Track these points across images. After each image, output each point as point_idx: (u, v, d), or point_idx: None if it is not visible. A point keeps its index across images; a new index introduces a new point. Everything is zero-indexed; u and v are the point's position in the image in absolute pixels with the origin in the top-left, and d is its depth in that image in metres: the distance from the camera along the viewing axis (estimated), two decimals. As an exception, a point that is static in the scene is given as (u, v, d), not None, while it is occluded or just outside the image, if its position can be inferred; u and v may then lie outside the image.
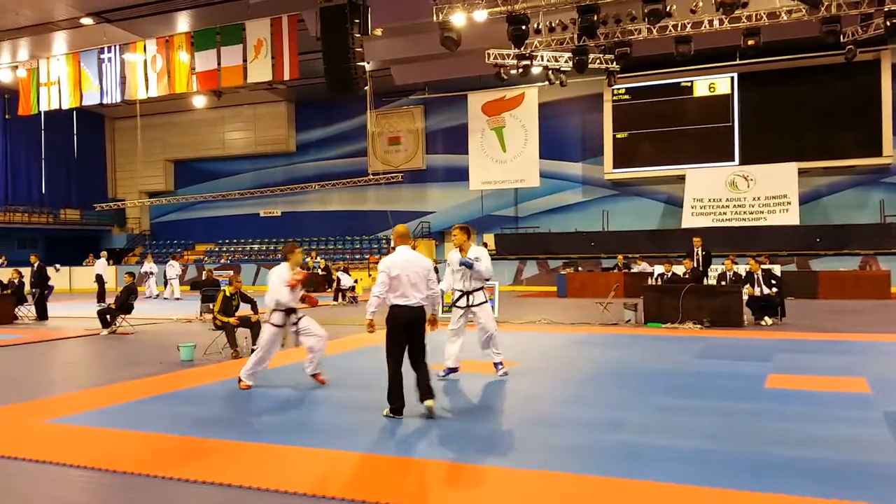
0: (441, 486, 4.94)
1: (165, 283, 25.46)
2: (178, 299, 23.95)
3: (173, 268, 25.16)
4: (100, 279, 23.63)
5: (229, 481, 4.85)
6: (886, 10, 18.18)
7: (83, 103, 24.48)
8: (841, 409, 6.69)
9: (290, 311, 8.36)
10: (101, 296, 22.99)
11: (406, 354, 6.67)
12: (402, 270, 6.62)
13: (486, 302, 8.63)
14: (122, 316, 14.24)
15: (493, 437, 6.18)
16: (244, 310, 11.12)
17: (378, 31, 24.22)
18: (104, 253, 26.59)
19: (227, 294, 10.86)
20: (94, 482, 5.01)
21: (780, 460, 5.14)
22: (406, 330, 6.61)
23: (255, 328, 10.75)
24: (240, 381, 8.24)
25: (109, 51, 24.85)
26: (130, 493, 4.79)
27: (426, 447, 5.75)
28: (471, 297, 8.47)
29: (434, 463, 5.31)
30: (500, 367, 8.54)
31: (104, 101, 25.41)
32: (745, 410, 6.72)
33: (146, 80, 24.18)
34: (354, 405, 7.31)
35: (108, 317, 14.13)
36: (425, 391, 6.55)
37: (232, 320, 10.75)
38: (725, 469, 4.95)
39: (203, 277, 22.02)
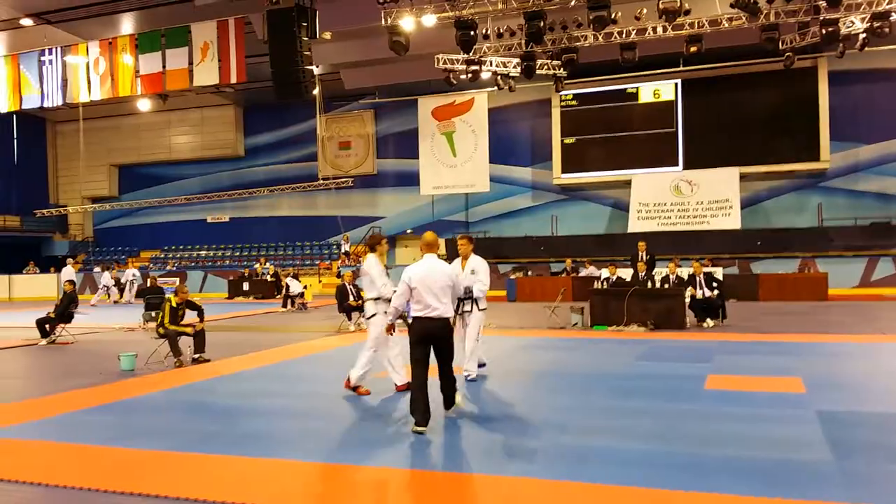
0: (372, 492, 4.94)
1: (121, 290, 25.22)
2: (128, 302, 23.58)
3: (125, 275, 25.04)
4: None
5: (169, 493, 4.77)
6: (822, 18, 18.81)
7: (22, 107, 23.81)
8: (776, 409, 6.88)
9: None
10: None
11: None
12: (423, 280, 6.42)
13: (484, 308, 8.88)
14: (62, 325, 13.87)
15: (435, 441, 6.20)
16: (191, 317, 10.94)
17: (327, 35, 24.13)
18: (70, 260, 26.09)
19: (174, 304, 10.64)
20: (28, 497, 4.87)
21: (719, 460, 5.27)
22: (427, 342, 6.42)
23: (198, 336, 10.58)
24: (357, 389, 7.93)
25: (50, 53, 24.23)
26: (65, 507, 4.68)
27: (362, 454, 5.73)
28: (462, 304, 8.72)
29: (371, 469, 5.30)
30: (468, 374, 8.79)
31: (45, 105, 24.77)
32: (685, 411, 6.87)
33: (89, 82, 23.65)
34: (300, 413, 7.26)
35: (46, 326, 13.74)
36: (448, 403, 6.70)
37: (188, 329, 10.56)
38: (668, 470, 5.05)
39: (147, 284, 21.62)
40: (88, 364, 10.81)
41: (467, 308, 8.83)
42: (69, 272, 23.83)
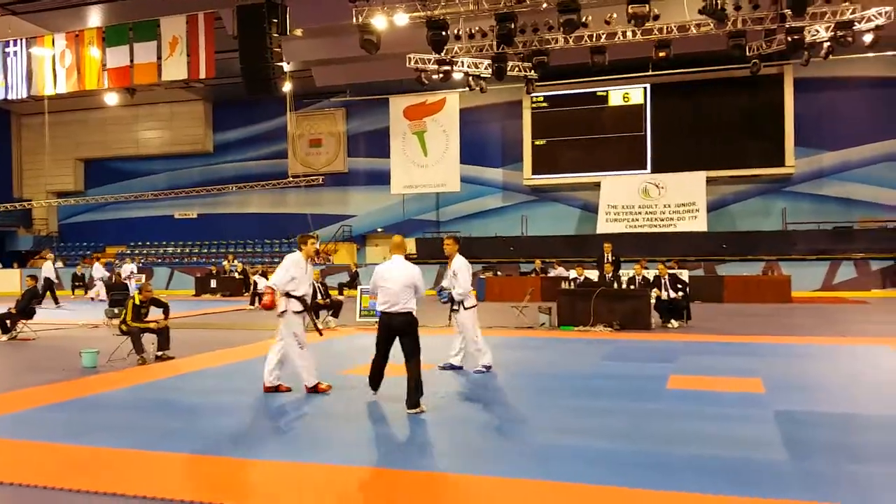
0: (331, 490, 4.94)
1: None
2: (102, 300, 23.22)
3: (99, 270, 24.55)
4: (48, 282, 22.74)
5: (125, 491, 4.72)
6: (788, 26, 19.14)
7: (-15, 98, 23.39)
8: (735, 409, 7.00)
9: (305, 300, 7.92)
10: (55, 299, 22.34)
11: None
12: (386, 280, 7.09)
13: (471, 307, 9.14)
14: (23, 321, 13.63)
15: (402, 440, 6.22)
16: (156, 314, 10.81)
17: (298, 32, 23.96)
18: (50, 255, 25.50)
19: (136, 302, 10.49)
20: (-20, 495, 4.80)
21: (682, 459, 5.35)
22: (391, 335, 7.13)
23: (162, 333, 10.47)
24: (318, 386, 7.82)
25: (15, 44, 23.82)
26: (20, 505, 4.62)
27: (324, 453, 5.73)
28: (456, 303, 9.05)
29: (333, 468, 5.29)
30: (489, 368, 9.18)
31: (9, 97, 24.35)
32: (649, 410, 6.95)
33: (54, 75, 23.28)
34: (263, 411, 7.23)
35: (7, 322, 13.50)
36: (410, 400, 6.89)
37: (152, 324, 10.44)
38: (633, 469, 5.11)
39: (112, 280, 21.34)
40: (50, 360, 10.64)
41: (455, 307, 9.08)
42: (49, 268, 23.48)
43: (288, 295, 7.79)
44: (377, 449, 5.90)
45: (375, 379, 7.48)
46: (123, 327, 10.37)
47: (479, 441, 6.05)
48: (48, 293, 22.59)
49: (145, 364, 10.00)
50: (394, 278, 7.09)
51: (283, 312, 7.83)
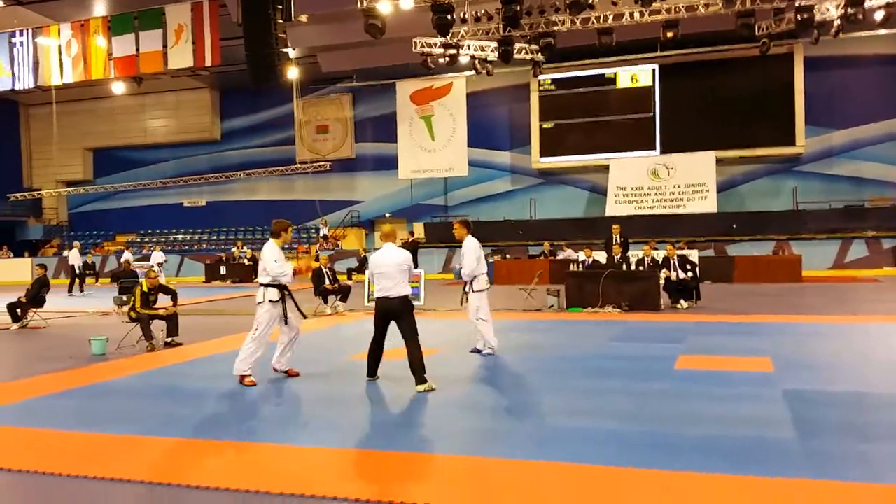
0: (341, 473, 4.95)
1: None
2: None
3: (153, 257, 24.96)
4: (72, 269, 23.33)
5: (133, 477, 4.74)
6: (797, 5, 18.89)
7: (-7, 89, 23.47)
8: (744, 388, 6.96)
9: (283, 288, 7.80)
10: (71, 286, 23.01)
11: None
12: (379, 267, 7.42)
13: (480, 291, 9.15)
14: (34, 310, 13.71)
15: (410, 423, 6.22)
16: (164, 301, 10.87)
17: (303, 18, 23.87)
18: (77, 244, 25.66)
19: (144, 290, 10.55)
20: (-9, 481, 4.83)
21: (690, 439, 5.33)
22: (386, 317, 7.44)
23: (171, 320, 10.51)
24: (243, 378, 7.61)
25: (21, 35, 23.88)
26: (39, 492, 4.64)
27: (328, 437, 5.73)
28: (467, 285, 9.21)
29: (339, 452, 5.30)
30: (480, 351, 9.24)
31: (16, 87, 24.43)
32: (655, 391, 6.93)
33: (61, 65, 23.34)
34: (270, 396, 7.25)
35: (18, 311, 13.58)
36: (417, 377, 7.15)
37: (161, 311, 10.49)
38: (641, 449, 5.09)
39: (121, 269, 21.41)
40: (60, 349, 10.70)
41: (467, 289, 9.18)
42: (75, 255, 23.83)
43: (266, 285, 7.72)
44: (385, 432, 5.90)
45: (373, 364, 7.64)
46: (132, 314, 10.42)
47: (486, 423, 6.05)
48: (76, 280, 23.17)
49: (154, 351, 10.05)
50: (388, 263, 7.40)
51: (260, 303, 7.76)
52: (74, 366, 9.13)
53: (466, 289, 9.20)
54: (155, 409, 6.82)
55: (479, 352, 9.23)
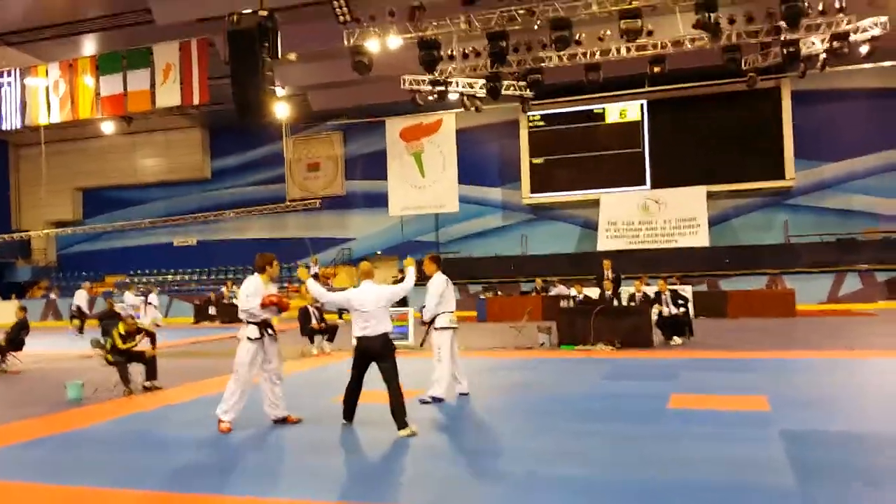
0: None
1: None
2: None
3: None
4: (79, 310, 22.78)
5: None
6: (783, 39, 19.01)
7: (-20, 129, 23.33)
8: (739, 429, 6.72)
9: (265, 325, 7.45)
10: (82, 327, 22.30)
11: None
12: (361, 304, 7.14)
13: (441, 329, 8.63)
14: (12, 353, 13.37)
15: (391, 470, 5.95)
16: (143, 345, 10.56)
17: (292, 56, 23.96)
18: (86, 284, 25.23)
19: (122, 332, 10.21)
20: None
21: (674, 484, 5.10)
22: (366, 357, 7.18)
23: (150, 363, 10.21)
24: (219, 422, 7.24)
25: (9, 75, 23.80)
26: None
27: (307, 487, 5.46)
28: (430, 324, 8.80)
29: None
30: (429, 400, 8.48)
31: (3, 127, 24.28)
32: (645, 433, 6.67)
33: (48, 105, 23.23)
34: (249, 443, 6.95)
35: (-4, 354, 13.24)
36: (398, 422, 6.83)
37: (137, 345, 10.14)
38: (628, 498, 4.87)
39: (104, 309, 21.07)
40: (35, 394, 10.38)
41: (436, 324, 8.68)
42: (82, 296, 23.30)
43: (248, 322, 7.37)
44: (364, 481, 5.62)
45: (349, 408, 7.38)
46: (109, 357, 10.10)
47: (470, 470, 5.81)
48: (78, 321, 22.63)
49: (132, 395, 9.73)
50: (368, 300, 7.16)
51: (239, 341, 7.44)
52: (48, 412, 8.80)
53: (429, 328, 8.77)
54: (125, 459, 6.51)
55: (434, 400, 8.46)
